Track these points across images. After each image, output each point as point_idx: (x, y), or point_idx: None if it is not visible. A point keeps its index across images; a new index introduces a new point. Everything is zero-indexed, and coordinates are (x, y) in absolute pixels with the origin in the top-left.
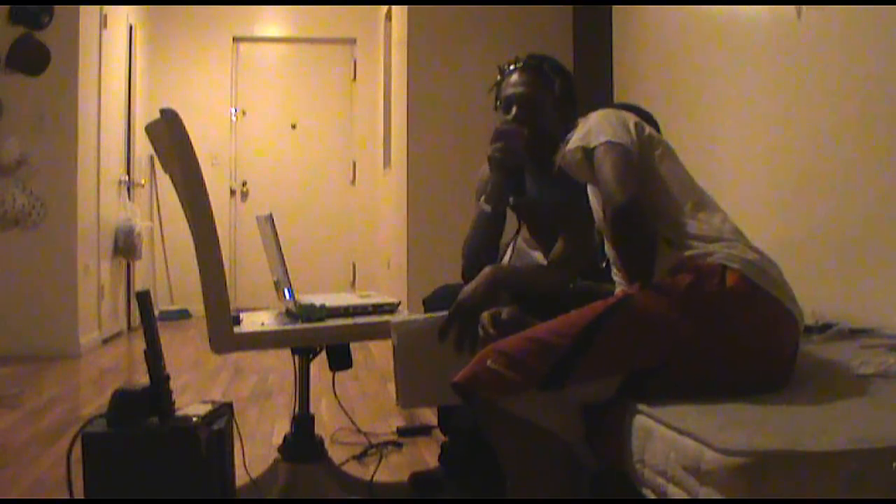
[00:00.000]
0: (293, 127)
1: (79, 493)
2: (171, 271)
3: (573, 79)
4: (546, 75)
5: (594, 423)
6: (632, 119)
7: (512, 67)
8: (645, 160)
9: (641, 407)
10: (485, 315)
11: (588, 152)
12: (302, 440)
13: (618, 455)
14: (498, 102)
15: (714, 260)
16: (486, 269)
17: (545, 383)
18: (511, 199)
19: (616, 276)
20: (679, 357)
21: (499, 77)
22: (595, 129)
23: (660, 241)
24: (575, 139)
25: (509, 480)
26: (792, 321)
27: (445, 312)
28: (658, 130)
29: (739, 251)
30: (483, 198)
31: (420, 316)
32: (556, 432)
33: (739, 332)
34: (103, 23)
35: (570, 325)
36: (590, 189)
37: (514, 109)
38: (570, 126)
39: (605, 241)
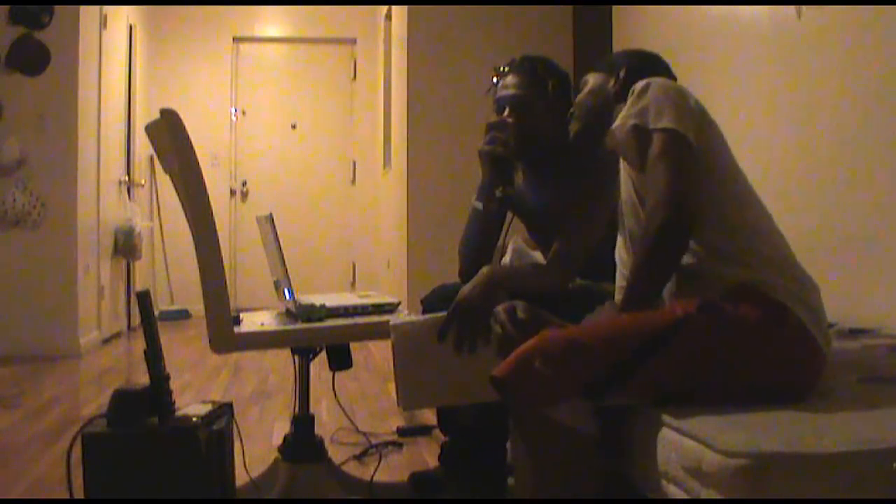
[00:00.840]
0: (293, 127)
1: (79, 493)
2: (171, 271)
3: (568, 79)
4: (539, 77)
5: (609, 421)
6: (693, 97)
7: (505, 70)
8: (706, 152)
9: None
10: (500, 309)
11: (642, 132)
12: (302, 440)
13: (625, 455)
14: (494, 104)
15: (778, 295)
16: (484, 270)
17: (589, 392)
18: (498, 193)
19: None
20: (717, 387)
21: (494, 79)
22: (656, 106)
23: (711, 249)
24: (628, 114)
25: (519, 481)
26: (824, 364)
27: (444, 313)
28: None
29: (800, 286)
30: (474, 196)
31: (418, 317)
32: (579, 429)
33: (782, 375)
34: (103, 23)
35: (624, 338)
36: (624, 167)
37: (506, 111)
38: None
39: (621, 240)
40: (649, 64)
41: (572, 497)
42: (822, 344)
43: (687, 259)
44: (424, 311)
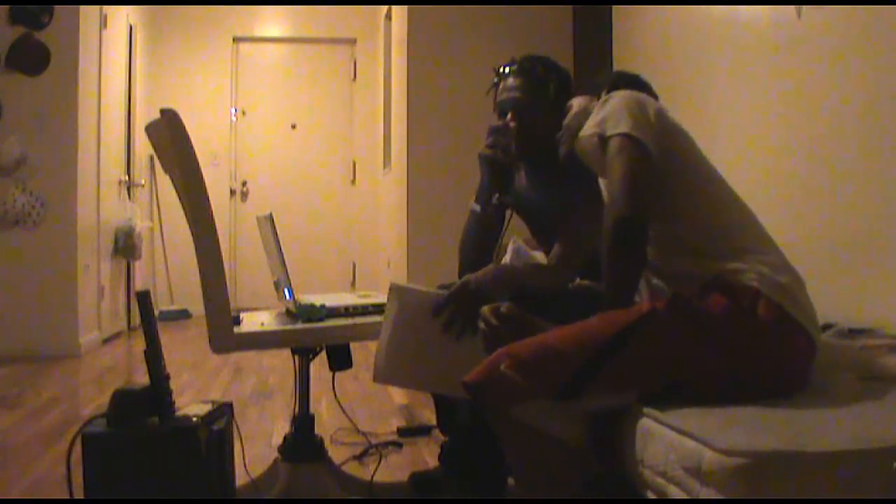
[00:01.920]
0: (293, 127)
1: (79, 493)
2: (171, 271)
3: (569, 78)
4: (540, 77)
5: (601, 428)
6: (653, 106)
7: (506, 71)
8: (665, 155)
9: (640, 407)
10: (485, 309)
11: (604, 140)
12: (302, 440)
13: (619, 457)
14: (494, 105)
15: (748, 281)
16: (490, 267)
17: (560, 393)
18: (493, 200)
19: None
20: (699, 379)
21: (495, 79)
22: (614, 115)
23: (680, 247)
24: (591, 124)
25: (516, 482)
26: (814, 348)
27: (447, 292)
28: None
29: (772, 271)
30: (473, 197)
31: (423, 287)
32: (560, 437)
33: (766, 363)
34: (103, 23)
35: (590, 337)
36: (601, 180)
37: (508, 115)
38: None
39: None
40: (628, 83)
41: (554, 497)
42: (807, 327)
43: (663, 260)
44: None
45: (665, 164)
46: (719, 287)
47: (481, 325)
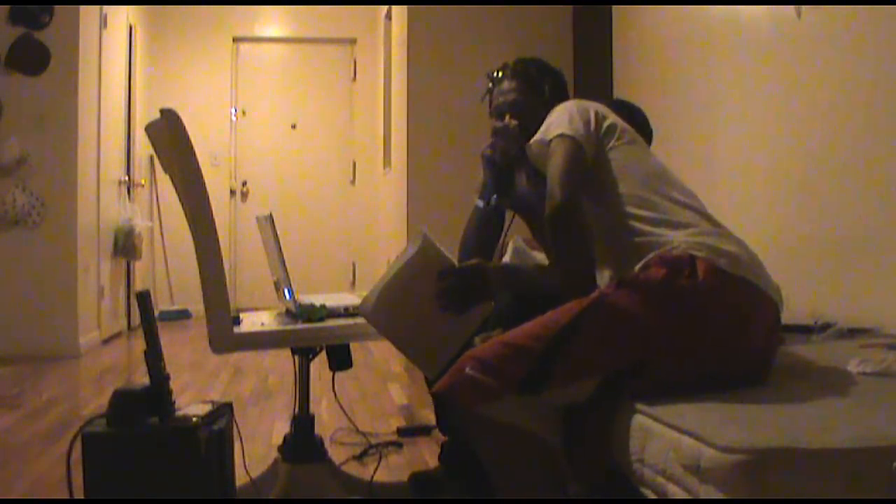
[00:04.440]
0: (293, 127)
1: (79, 493)
2: (171, 271)
3: (563, 77)
4: (534, 79)
5: (575, 429)
6: (593, 109)
7: (500, 75)
8: (602, 150)
9: (639, 406)
10: (477, 340)
11: (546, 145)
12: (302, 440)
13: (601, 456)
14: (491, 110)
15: (680, 251)
16: (502, 264)
17: (522, 388)
18: (492, 202)
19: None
20: (657, 354)
21: (489, 84)
22: (555, 121)
23: (623, 232)
24: (539, 132)
25: (494, 483)
26: (767, 301)
27: (460, 264)
28: (647, 126)
29: (704, 238)
30: (478, 194)
31: (445, 251)
32: (537, 434)
33: (715, 322)
34: (103, 23)
35: (546, 328)
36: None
37: (505, 118)
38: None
39: None
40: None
41: (537, 498)
42: (756, 282)
43: (610, 251)
44: None
45: (602, 155)
46: (658, 261)
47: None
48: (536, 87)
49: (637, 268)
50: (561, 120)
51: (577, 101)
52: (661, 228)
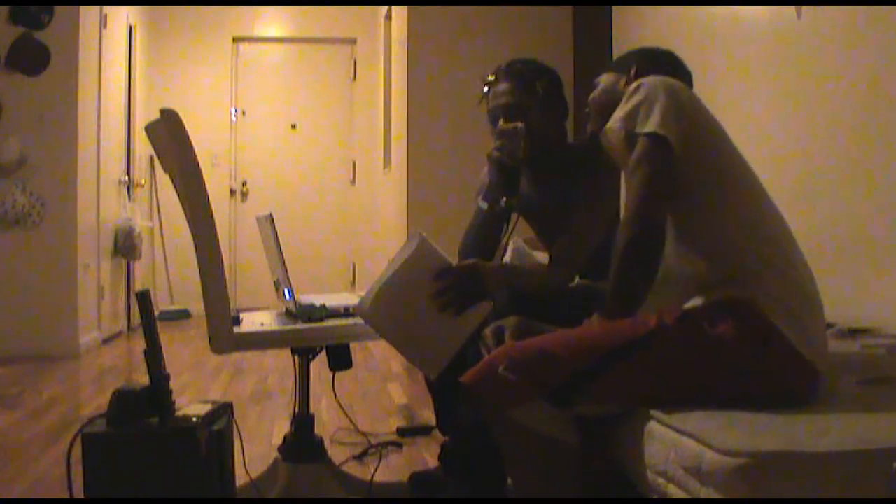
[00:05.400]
0: (293, 127)
1: (79, 493)
2: (171, 271)
3: (557, 76)
4: (528, 80)
5: (591, 427)
6: (686, 96)
7: (494, 78)
8: (694, 149)
9: (640, 408)
10: (488, 332)
11: (630, 136)
12: (302, 440)
13: (611, 456)
14: (487, 114)
15: (765, 316)
16: (499, 263)
17: (552, 398)
18: (503, 201)
19: None
20: (696, 401)
21: (485, 89)
22: (645, 107)
23: (702, 250)
24: (619, 115)
25: (514, 483)
26: (816, 378)
27: (456, 263)
28: (689, 76)
29: (797, 302)
30: (482, 195)
31: (442, 251)
32: (558, 438)
33: (767, 392)
34: (103, 23)
35: (590, 345)
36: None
37: (500, 122)
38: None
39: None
40: (658, 61)
41: (553, 498)
42: (812, 361)
43: (672, 254)
44: None
45: (693, 158)
46: (732, 312)
47: (484, 351)
48: (530, 88)
49: (705, 300)
50: (652, 108)
51: (666, 81)
52: (741, 262)
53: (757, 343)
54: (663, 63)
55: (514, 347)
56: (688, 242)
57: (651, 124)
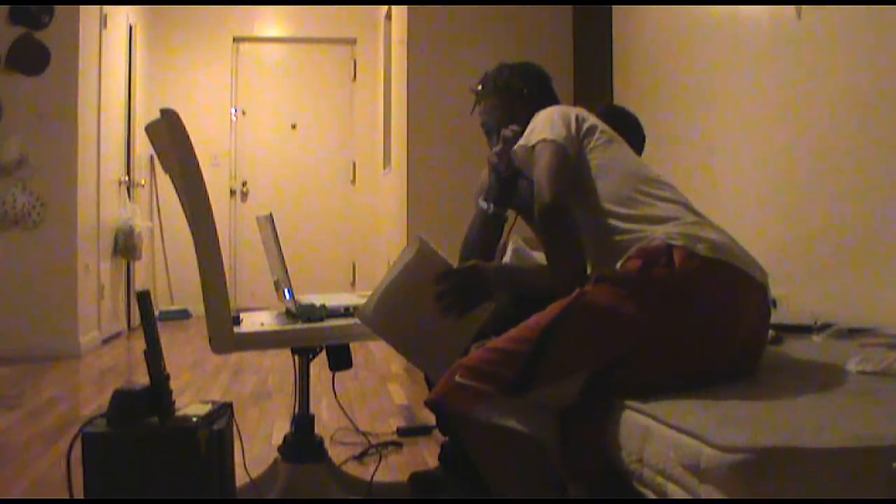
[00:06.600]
0: (293, 127)
1: (79, 493)
2: (171, 271)
3: (544, 75)
4: (514, 89)
5: (568, 429)
6: (573, 112)
7: (481, 89)
8: (583, 151)
9: (639, 405)
10: (473, 348)
11: (530, 150)
12: (302, 440)
13: (597, 456)
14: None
15: (657, 243)
16: (500, 264)
17: (512, 388)
18: (490, 210)
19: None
20: (640, 347)
21: (474, 98)
22: (538, 127)
23: (606, 231)
24: (521, 138)
25: (490, 486)
26: (751, 283)
27: (458, 266)
28: (640, 131)
29: (682, 228)
30: (482, 195)
31: (442, 254)
32: (532, 435)
33: (697, 309)
34: (103, 23)
35: (530, 331)
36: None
37: (492, 137)
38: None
39: None
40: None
41: (535, 498)
42: (737, 265)
43: (596, 252)
44: None
45: (583, 157)
46: (635, 254)
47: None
48: (515, 96)
49: (618, 265)
50: (543, 126)
51: (558, 106)
52: (641, 224)
53: (661, 264)
54: (614, 116)
55: (468, 357)
56: (598, 234)
57: (543, 133)
